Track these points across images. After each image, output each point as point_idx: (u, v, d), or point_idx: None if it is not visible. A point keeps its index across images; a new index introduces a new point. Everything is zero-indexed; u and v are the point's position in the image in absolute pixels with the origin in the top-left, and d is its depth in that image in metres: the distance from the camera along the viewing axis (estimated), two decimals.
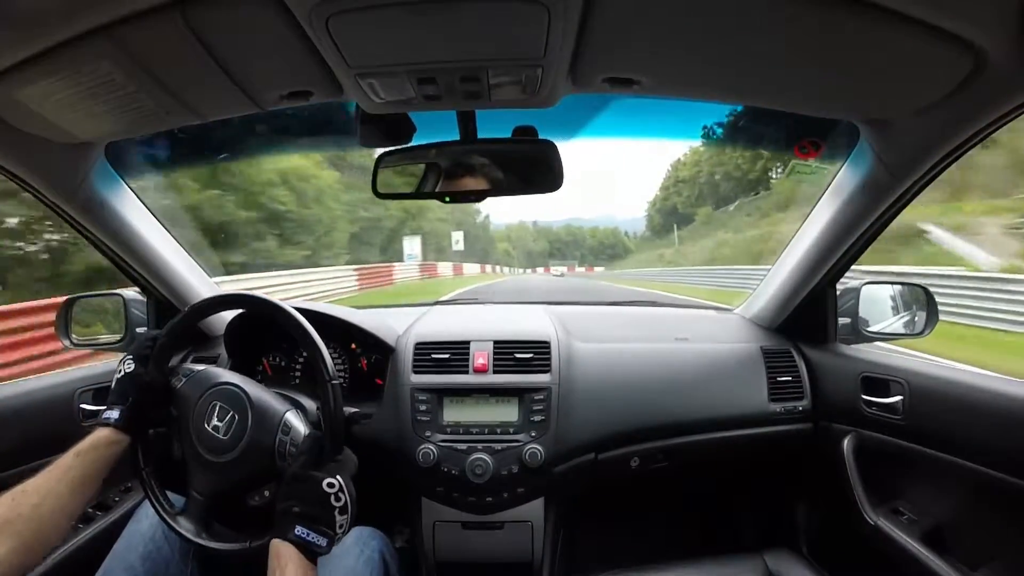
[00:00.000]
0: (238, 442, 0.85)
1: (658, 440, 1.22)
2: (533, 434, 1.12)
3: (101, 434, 0.83)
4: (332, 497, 0.74)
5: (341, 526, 0.75)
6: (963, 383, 0.97)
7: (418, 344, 1.22)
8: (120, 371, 0.90)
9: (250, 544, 0.83)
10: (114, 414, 0.85)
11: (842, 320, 1.26)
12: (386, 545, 1.01)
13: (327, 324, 1.14)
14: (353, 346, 1.28)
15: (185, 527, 0.86)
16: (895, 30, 0.58)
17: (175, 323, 0.93)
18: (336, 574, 0.90)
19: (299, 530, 0.70)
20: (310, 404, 0.96)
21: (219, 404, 0.87)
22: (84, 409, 1.15)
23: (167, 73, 0.69)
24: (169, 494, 0.91)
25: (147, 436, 0.92)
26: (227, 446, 0.85)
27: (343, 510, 0.75)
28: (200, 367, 0.94)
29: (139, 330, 1.29)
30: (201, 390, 0.90)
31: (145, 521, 0.94)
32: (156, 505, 0.89)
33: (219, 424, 0.86)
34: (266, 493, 0.87)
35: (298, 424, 0.88)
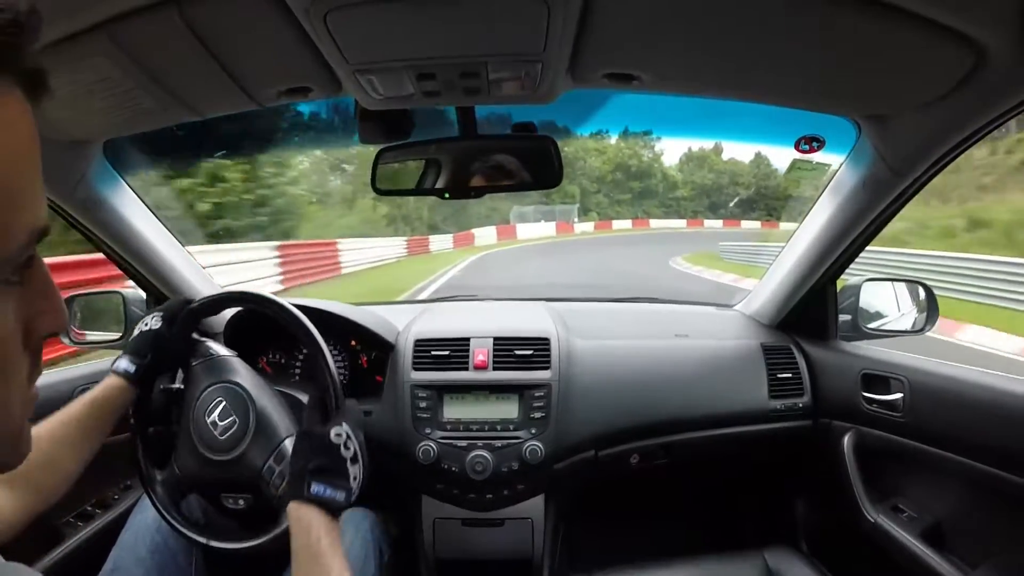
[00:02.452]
0: (230, 449, 0.85)
1: (658, 437, 1.22)
2: (533, 431, 1.12)
3: (114, 383, 0.85)
4: (341, 447, 0.72)
5: (355, 477, 0.72)
6: (963, 380, 0.97)
7: (418, 341, 1.22)
8: (146, 325, 0.91)
9: (255, 542, 0.83)
10: (131, 367, 0.86)
11: (842, 317, 1.26)
12: (379, 526, 1.02)
13: (327, 321, 1.14)
14: (353, 343, 1.28)
15: (186, 525, 0.87)
16: (896, 26, 0.58)
17: (208, 299, 0.95)
18: None
19: (315, 487, 0.68)
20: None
21: (224, 403, 0.87)
22: None
23: (165, 70, 0.69)
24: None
25: (148, 433, 0.92)
26: (220, 446, 0.86)
27: (354, 459, 0.73)
28: (223, 352, 0.94)
29: None
30: (212, 380, 0.90)
31: (150, 512, 0.93)
32: (156, 503, 0.89)
33: (218, 422, 0.86)
34: (240, 502, 0.88)
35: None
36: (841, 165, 1.02)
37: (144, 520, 0.93)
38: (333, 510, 0.68)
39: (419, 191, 0.98)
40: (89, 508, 1.15)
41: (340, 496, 0.69)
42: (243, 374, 0.91)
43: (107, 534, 0.93)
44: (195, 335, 0.97)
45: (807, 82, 0.76)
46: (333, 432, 0.73)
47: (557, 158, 0.90)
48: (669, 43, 0.67)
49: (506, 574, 1.16)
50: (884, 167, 0.90)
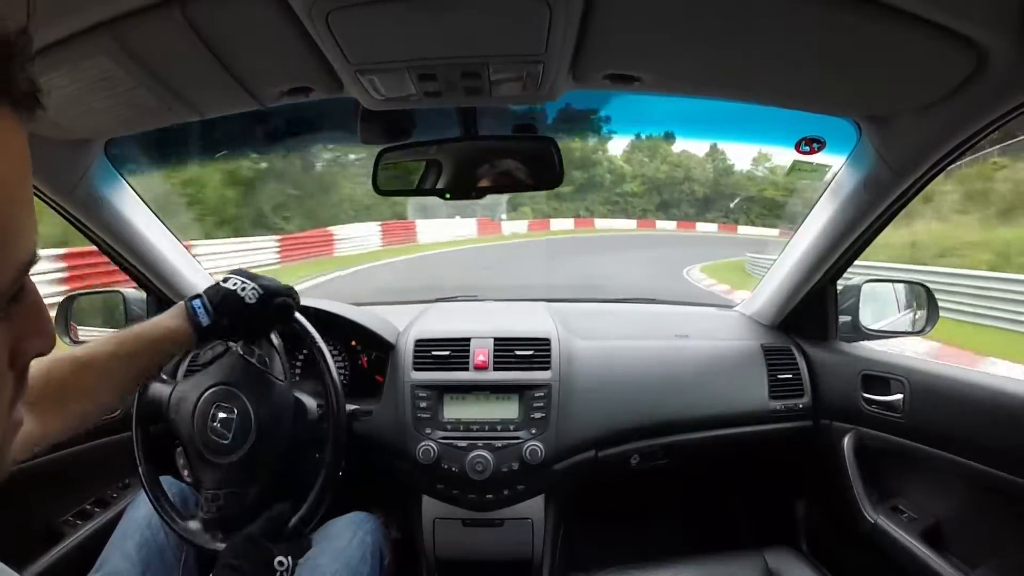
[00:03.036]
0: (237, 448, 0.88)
1: (658, 437, 1.22)
2: (533, 431, 1.12)
3: (175, 327, 0.79)
4: (278, 575, 0.73)
5: None
6: (963, 381, 0.97)
7: (418, 341, 1.22)
8: (243, 291, 0.84)
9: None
10: (206, 318, 0.80)
11: (843, 318, 1.26)
12: (380, 530, 1.01)
13: (327, 321, 1.14)
14: (353, 343, 1.28)
15: (186, 527, 0.87)
16: (897, 27, 0.58)
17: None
18: (326, 555, 0.89)
19: None
20: (310, 401, 0.96)
21: (222, 406, 0.89)
22: None
23: (167, 69, 0.69)
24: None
25: (148, 431, 0.93)
26: (226, 448, 0.88)
27: None
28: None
29: None
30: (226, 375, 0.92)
31: (142, 508, 0.94)
32: (155, 504, 0.89)
33: (219, 423, 0.87)
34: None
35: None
36: (842, 166, 1.03)
37: (135, 516, 0.93)
38: None
39: (420, 191, 0.98)
40: (88, 507, 1.15)
41: None
42: (248, 377, 0.92)
43: (106, 533, 0.93)
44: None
45: (808, 83, 0.76)
46: (277, 560, 0.73)
47: (558, 159, 0.90)
48: (671, 44, 0.67)
49: (506, 574, 1.16)
50: (885, 168, 0.90)
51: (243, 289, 0.85)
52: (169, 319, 0.80)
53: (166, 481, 0.95)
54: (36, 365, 0.63)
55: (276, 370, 0.93)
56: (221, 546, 0.85)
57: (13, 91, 0.28)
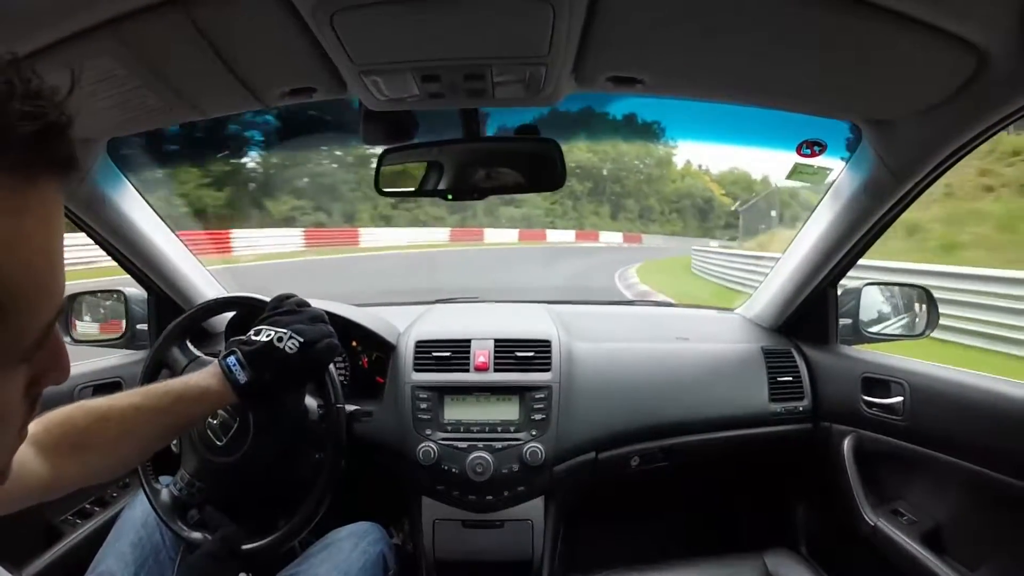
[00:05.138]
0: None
1: (658, 440, 1.22)
2: (534, 433, 1.12)
3: (213, 387, 0.74)
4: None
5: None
6: (963, 384, 0.97)
7: (419, 342, 1.22)
8: (281, 343, 0.77)
9: (259, 543, 0.83)
10: (243, 377, 0.74)
11: (843, 321, 1.26)
12: (383, 540, 1.01)
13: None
14: (354, 343, 1.28)
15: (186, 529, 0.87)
16: (898, 31, 0.58)
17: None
18: (325, 565, 0.89)
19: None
20: (310, 402, 0.96)
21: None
22: None
23: (170, 69, 0.69)
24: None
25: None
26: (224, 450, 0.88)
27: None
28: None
29: (139, 327, 1.29)
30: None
31: (139, 508, 0.94)
32: (153, 504, 0.89)
33: (218, 423, 0.88)
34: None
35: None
36: (842, 169, 1.03)
37: (131, 516, 0.93)
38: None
39: (422, 192, 0.99)
40: (88, 506, 1.15)
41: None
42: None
43: (105, 532, 0.93)
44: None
45: (809, 86, 0.76)
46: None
47: (560, 161, 0.90)
48: (673, 47, 0.68)
49: (506, 575, 1.16)
50: (885, 171, 0.91)
51: (280, 340, 0.77)
52: (203, 378, 0.75)
53: (165, 482, 0.95)
54: (58, 413, 0.63)
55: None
56: (193, 535, 0.86)
57: (57, 161, 0.31)
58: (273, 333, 0.78)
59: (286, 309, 0.83)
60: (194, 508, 0.89)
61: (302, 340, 0.78)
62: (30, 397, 0.35)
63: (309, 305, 0.86)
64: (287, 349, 0.77)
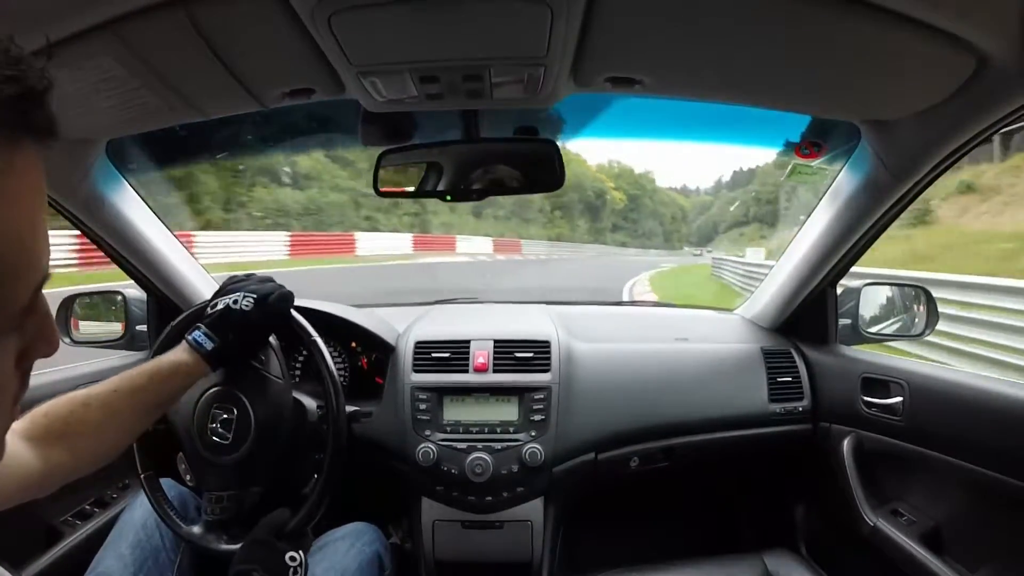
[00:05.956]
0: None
1: (658, 440, 1.22)
2: (533, 433, 1.12)
3: (184, 359, 0.78)
4: (291, 571, 0.73)
5: None
6: (963, 384, 0.97)
7: (418, 343, 1.22)
8: (235, 304, 0.83)
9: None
10: (207, 343, 0.79)
11: (842, 321, 1.26)
12: (379, 540, 1.00)
13: (327, 322, 1.14)
14: (353, 344, 1.28)
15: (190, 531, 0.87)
16: (896, 31, 0.58)
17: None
18: (320, 567, 0.89)
19: None
20: (310, 402, 0.96)
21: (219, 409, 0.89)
22: None
23: (170, 70, 0.69)
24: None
25: (148, 433, 0.93)
26: (226, 449, 0.88)
27: None
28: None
29: (139, 328, 1.29)
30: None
31: (138, 510, 0.93)
32: (156, 507, 0.89)
33: (219, 424, 0.88)
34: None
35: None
36: (841, 169, 1.03)
37: (131, 518, 0.93)
38: None
39: (420, 193, 0.99)
40: (87, 507, 1.15)
41: None
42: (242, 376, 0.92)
43: (105, 533, 0.93)
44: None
45: (808, 87, 0.76)
46: (289, 555, 0.73)
47: (559, 162, 0.90)
48: (671, 47, 0.68)
49: None
50: (884, 171, 0.91)
51: (235, 302, 0.83)
52: (175, 353, 0.79)
53: (165, 483, 0.95)
54: (41, 406, 0.65)
55: (274, 369, 0.93)
56: (226, 547, 0.85)
57: (34, 125, 0.31)
58: (228, 299, 0.84)
59: (235, 280, 0.90)
60: (233, 522, 0.88)
61: (255, 296, 0.84)
62: (21, 370, 0.35)
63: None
64: (243, 308, 0.83)
